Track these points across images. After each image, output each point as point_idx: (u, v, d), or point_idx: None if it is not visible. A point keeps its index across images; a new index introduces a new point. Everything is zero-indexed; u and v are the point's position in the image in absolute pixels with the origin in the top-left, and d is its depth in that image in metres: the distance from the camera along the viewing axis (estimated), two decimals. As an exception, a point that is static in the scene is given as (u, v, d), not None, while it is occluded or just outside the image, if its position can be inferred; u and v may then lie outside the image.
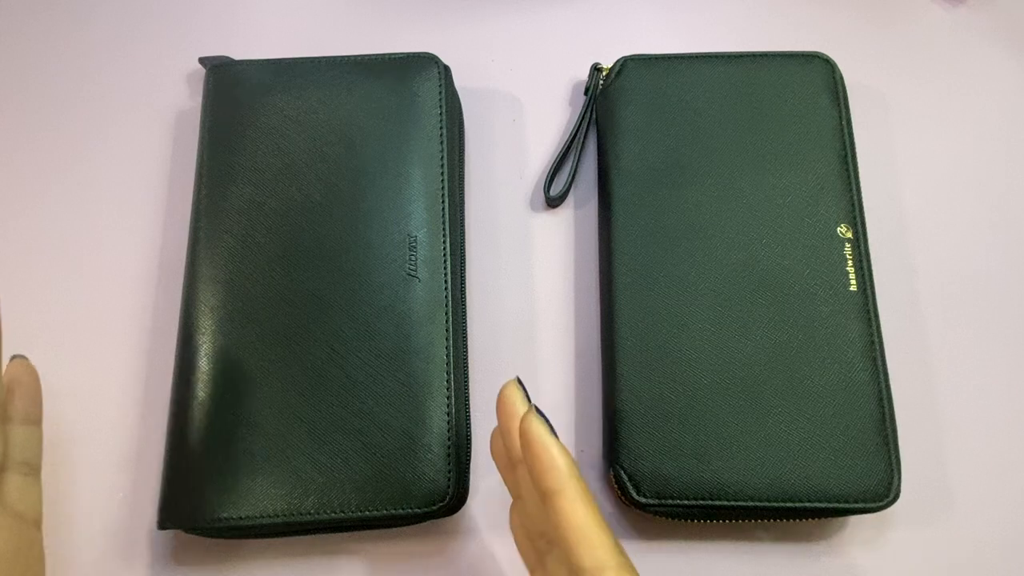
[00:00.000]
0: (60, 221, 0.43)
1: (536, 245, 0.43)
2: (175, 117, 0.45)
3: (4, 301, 0.41)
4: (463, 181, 0.42)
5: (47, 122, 0.45)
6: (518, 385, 0.29)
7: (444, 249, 0.37)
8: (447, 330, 0.36)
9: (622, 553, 0.26)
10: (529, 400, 0.28)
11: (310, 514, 0.33)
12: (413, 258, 0.37)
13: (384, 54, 0.42)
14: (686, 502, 0.34)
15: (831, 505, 0.33)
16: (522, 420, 0.27)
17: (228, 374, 0.35)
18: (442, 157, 0.39)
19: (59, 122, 0.45)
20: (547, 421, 0.26)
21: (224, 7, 0.49)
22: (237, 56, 0.43)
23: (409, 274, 0.36)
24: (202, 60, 0.44)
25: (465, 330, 0.38)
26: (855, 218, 0.38)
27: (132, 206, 0.43)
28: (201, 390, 0.35)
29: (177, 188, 0.43)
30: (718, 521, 0.35)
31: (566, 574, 0.25)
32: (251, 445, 0.34)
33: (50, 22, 0.48)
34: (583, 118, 0.44)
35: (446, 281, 0.37)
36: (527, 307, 0.41)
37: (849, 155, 0.40)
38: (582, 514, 0.25)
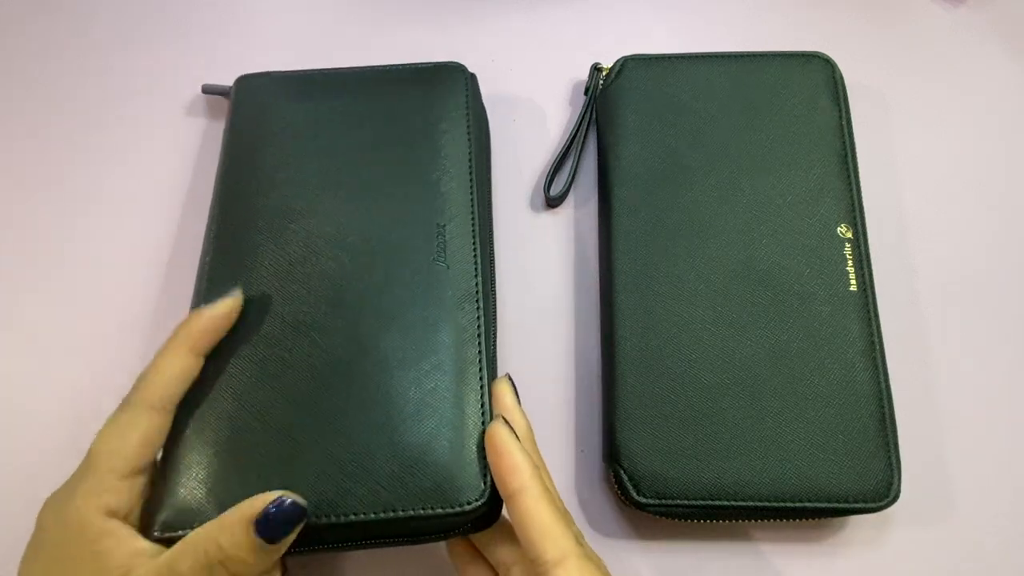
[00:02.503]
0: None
1: (536, 245, 0.43)
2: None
3: (15, 300, 0.41)
4: (491, 184, 0.42)
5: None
6: (507, 381, 0.32)
7: (474, 238, 0.37)
8: (478, 319, 0.35)
9: (584, 544, 0.27)
10: (517, 396, 0.31)
11: (336, 516, 0.30)
12: (440, 244, 0.36)
13: (410, 64, 0.42)
14: (686, 502, 0.34)
15: (831, 505, 0.33)
16: (489, 429, 0.29)
17: (242, 366, 0.33)
18: (469, 154, 0.39)
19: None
20: (512, 430, 0.29)
21: (226, 19, 0.49)
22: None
23: (436, 260, 0.36)
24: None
25: (496, 322, 0.37)
26: (855, 218, 0.38)
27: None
28: (217, 386, 0.33)
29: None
30: (718, 521, 0.35)
31: None
32: (266, 444, 0.32)
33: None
34: (583, 118, 0.44)
35: (476, 269, 0.36)
36: (527, 307, 0.41)
37: (849, 155, 0.40)
38: (543, 510, 0.27)
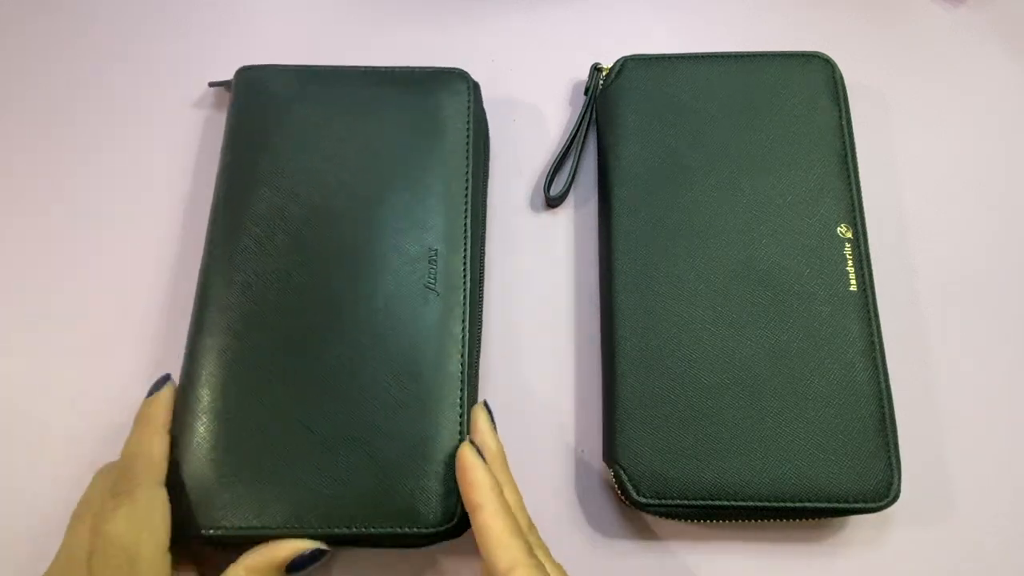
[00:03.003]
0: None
1: (536, 245, 0.43)
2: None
3: (20, 298, 0.41)
4: (487, 195, 0.42)
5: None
6: (483, 408, 0.35)
7: (464, 264, 0.37)
8: (463, 345, 0.35)
9: (538, 556, 0.29)
10: (492, 420, 0.34)
11: (313, 528, 0.32)
12: (433, 271, 0.36)
13: (414, 67, 0.42)
14: (686, 502, 0.34)
15: (831, 505, 0.33)
16: (459, 450, 0.32)
17: (236, 379, 0.34)
18: (467, 171, 0.39)
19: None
20: (478, 451, 0.32)
21: (226, 19, 0.49)
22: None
23: (427, 287, 0.36)
24: (212, 83, 0.45)
25: (480, 345, 0.38)
26: (855, 218, 0.38)
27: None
28: (207, 394, 0.34)
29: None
30: (718, 521, 0.35)
31: None
32: (257, 453, 0.33)
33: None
34: (583, 118, 0.44)
35: (464, 296, 0.36)
36: (527, 307, 0.41)
37: (849, 155, 0.40)
38: (498, 523, 0.29)
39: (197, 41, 0.48)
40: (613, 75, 0.43)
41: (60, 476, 0.37)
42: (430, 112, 0.40)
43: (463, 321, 0.36)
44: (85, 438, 0.38)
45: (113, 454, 0.33)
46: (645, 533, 0.37)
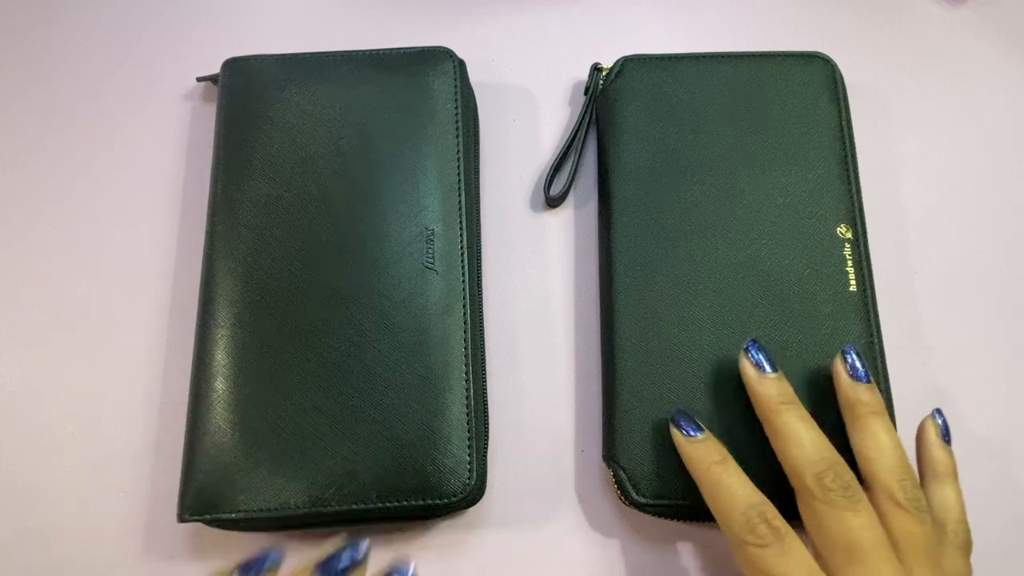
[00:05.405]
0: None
1: (536, 245, 0.43)
2: (191, 112, 0.45)
3: (22, 296, 0.41)
4: (479, 174, 0.42)
5: (63, 118, 0.45)
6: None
7: (461, 242, 0.38)
8: (464, 321, 0.36)
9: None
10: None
11: (331, 506, 0.33)
12: (431, 251, 0.37)
13: (399, 48, 0.42)
14: (686, 502, 0.34)
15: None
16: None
17: (247, 368, 0.35)
18: (457, 150, 0.39)
19: (76, 119, 0.45)
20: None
21: (226, 7, 0.49)
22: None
23: (426, 266, 0.37)
24: (200, 78, 0.44)
25: (482, 321, 0.39)
26: (855, 218, 0.38)
27: (149, 201, 0.43)
28: (220, 384, 0.35)
29: (194, 182, 0.44)
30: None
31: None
32: (271, 438, 0.34)
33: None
34: (583, 118, 0.44)
35: (463, 273, 0.37)
36: (527, 307, 0.41)
37: (849, 155, 0.40)
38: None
39: (194, 36, 0.48)
40: (613, 75, 0.43)
41: (74, 473, 0.37)
42: (418, 91, 0.40)
43: (464, 298, 0.37)
44: (88, 437, 0.38)
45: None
46: (645, 533, 0.37)
